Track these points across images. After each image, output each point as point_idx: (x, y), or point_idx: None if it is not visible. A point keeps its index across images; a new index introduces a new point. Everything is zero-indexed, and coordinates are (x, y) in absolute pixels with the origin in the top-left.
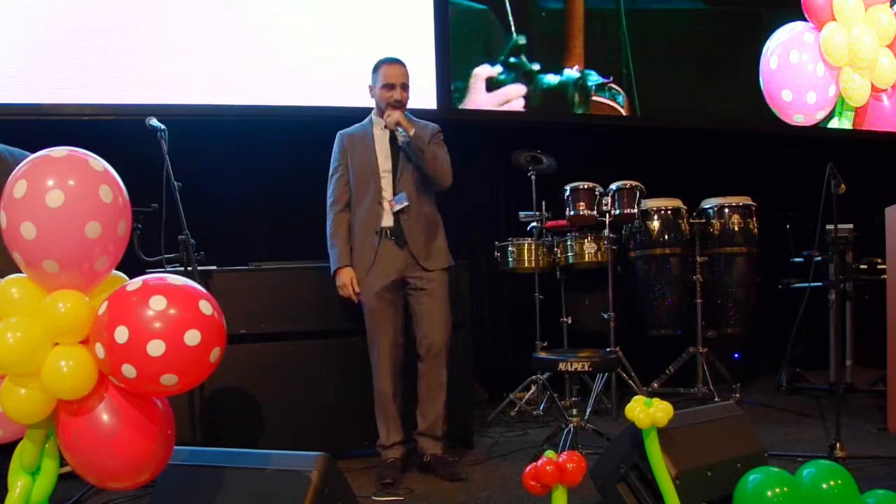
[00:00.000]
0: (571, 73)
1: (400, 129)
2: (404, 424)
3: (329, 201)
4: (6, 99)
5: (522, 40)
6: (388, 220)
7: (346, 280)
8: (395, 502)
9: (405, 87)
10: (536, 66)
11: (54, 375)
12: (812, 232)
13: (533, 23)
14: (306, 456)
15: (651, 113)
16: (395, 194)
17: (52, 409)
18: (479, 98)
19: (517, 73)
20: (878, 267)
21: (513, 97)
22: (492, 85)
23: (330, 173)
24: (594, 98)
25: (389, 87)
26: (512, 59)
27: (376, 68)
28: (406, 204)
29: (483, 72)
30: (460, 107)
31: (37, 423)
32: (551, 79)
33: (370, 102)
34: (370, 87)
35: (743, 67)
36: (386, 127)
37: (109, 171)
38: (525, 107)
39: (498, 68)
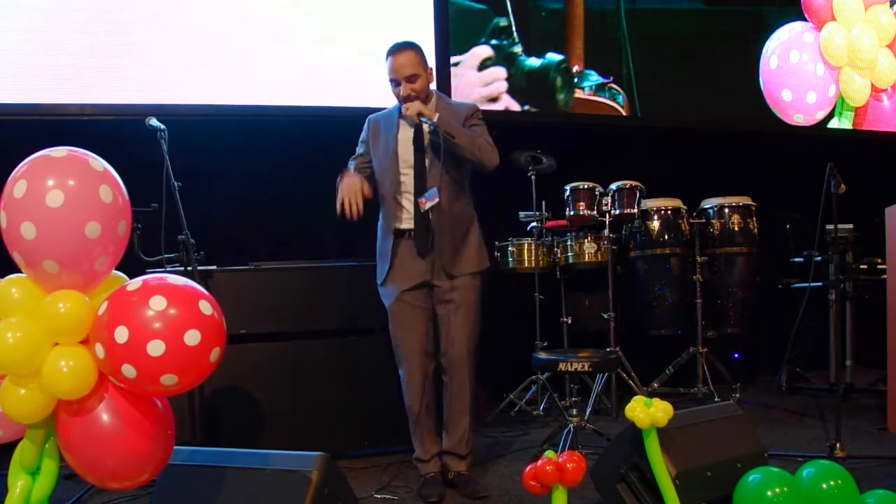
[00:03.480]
0: (553, 56)
1: (423, 119)
2: (439, 433)
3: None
4: (6, 99)
5: (504, 22)
6: (407, 221)
7: (356, 182)
8: (393, 502)
9: (412, 78)
10: (518, 49)
11: (54, 375)
12: (812, 232)
13: (533, 23)
14: (306, 456)
15: (651, 113)
16: (420, 191)
17: (52, 409)
18: (469, 75)
19: (499, 55)
20: (878, 267)
21: (499, 77)
22: (482, 66)
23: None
24: (589, 96)
25: (394, 83)
26: (494, 42)
27: (386, 59)
28: (437, 200)
29: (482, 52)
30: (453, 82)
31: (37, 423)
32: (533, 62)
33: (370, 102)
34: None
35: (743, 67)
36: (402, 118)
37: (109, 171)
38: (509, 90)
39: (491, 51)
